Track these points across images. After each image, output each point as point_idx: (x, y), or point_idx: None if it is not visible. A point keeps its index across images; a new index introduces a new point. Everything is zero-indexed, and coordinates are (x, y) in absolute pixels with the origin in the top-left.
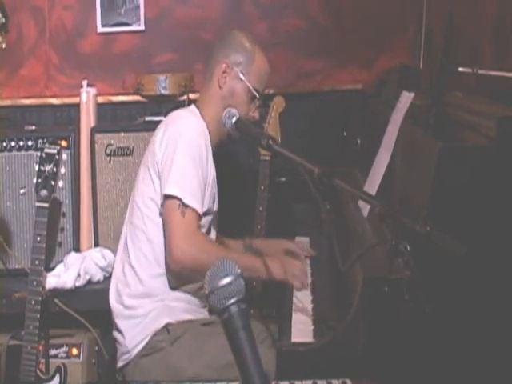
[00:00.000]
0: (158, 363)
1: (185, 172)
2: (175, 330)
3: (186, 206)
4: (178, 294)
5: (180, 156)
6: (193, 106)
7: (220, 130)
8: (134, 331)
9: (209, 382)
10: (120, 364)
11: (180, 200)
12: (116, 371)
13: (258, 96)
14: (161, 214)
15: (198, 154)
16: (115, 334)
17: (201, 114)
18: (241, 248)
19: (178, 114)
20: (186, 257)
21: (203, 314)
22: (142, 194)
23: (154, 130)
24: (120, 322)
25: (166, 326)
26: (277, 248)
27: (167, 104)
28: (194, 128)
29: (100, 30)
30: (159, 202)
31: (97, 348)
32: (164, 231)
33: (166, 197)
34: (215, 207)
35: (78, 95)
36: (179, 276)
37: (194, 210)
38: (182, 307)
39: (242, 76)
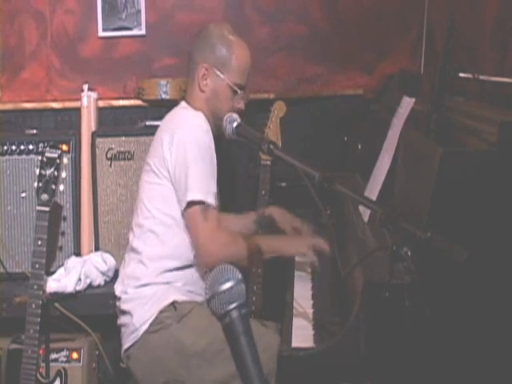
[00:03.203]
0: (165, 340)
1: (201, 174)
2: (182, 307)
3: (208, 205)
4: (186, 280)
5: (192, 159)
6: (184, 103)
7: (211, 125)
8: (142, 309)
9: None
10: (126, 346)
11: (203, 203)
12: (117, 375)
13: (239, 91)
14: (173, 219)
15: (207, 151)
16: (121, 319)
17: (192, 107)
18: (253, 217)
19: (178, 115)
20: (215, 257)
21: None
22: (154, 199)
23: (154, 134)
24: (127, 305)
25: (173, 303)
26: (287, 220)
27: (168, 108)
28: (198, 125)
29: (101, 34)
30: (172, 206)
31: (97, 352)
32: (176, 236)
33: (189, 203)
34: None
35: (79, 99)
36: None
37: (214, 207)
38: (185, 290)
39: (221, 75)
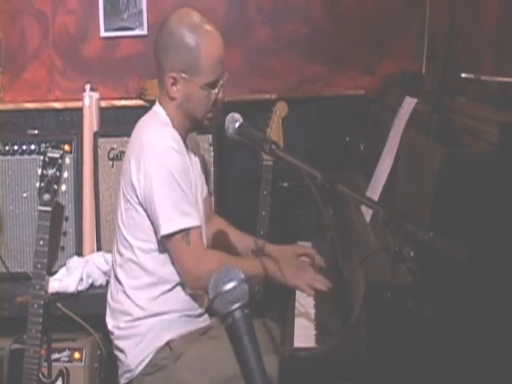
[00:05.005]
0: (162, 381)
1: (173, 201)
2: (177, 346)
3: (188, 229)
4: (175, 308)
5: (160, 188)
6: (157, 107)
7: (185, 126)
8: (136, 350)
9: None
10: (123, 382)
11: (181, 231)
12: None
13: (212, 91)
14: (152, 244)
15: (177, 172)
16: (116, 352)
17: (165, 112)
18: (251, 245)
19: (145, 134)
20: (202, 282)
21: (201, 323)
22: (129, 227)
23: None
24: (120, 343)
25: (168, 343)
26: (289, 254)
27: None
28: (164, 147)
29: (103, 34)
30: (148, 232)
31: (99, 352)
32: (158, 259)
33: (167, 236)
34: (205, 193)
35: (81, 99)
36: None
37: (195, 227)
38: (180, 318)
39: (191, 79)
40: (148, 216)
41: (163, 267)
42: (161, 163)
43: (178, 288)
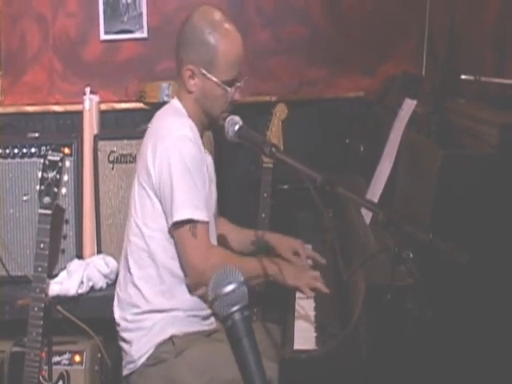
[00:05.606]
0: (162, 374)
1: (186, 190)
2: (180, 342)
3: (196, 222)
4: (182, 306)
5: (177, 175)
6: (175, 101)
7: (202, 122)
8: (140, 342)
9: None
10: (125, 372)
11: (190, 221)
12: (120, 379)
13: (228, 89)
14: (163, 234)
15: (192, 164)
16: (121, 343)
17: (183, 106)
18: (252, 238)
19: (164, 123)
20: (206, 276)
21: (207, 327)
22: (141, 214)
23: None
24: (126, 334)
25: (172, 338)
26: (287, 247)
27: None
28: (183, 135)
29: (103, 37)
30: (161, 221)
31: (100, 355)
32: (168, 250)
33: (176, 223)
34: (214, 196)
35: (81, 102)
36: (188, 289)
37: (203, 222)
38: (186, 317)
39: (208, 75)
40: (161, 203)
41: (172, 260)
42: (176, 150)
43: (187, 285)
